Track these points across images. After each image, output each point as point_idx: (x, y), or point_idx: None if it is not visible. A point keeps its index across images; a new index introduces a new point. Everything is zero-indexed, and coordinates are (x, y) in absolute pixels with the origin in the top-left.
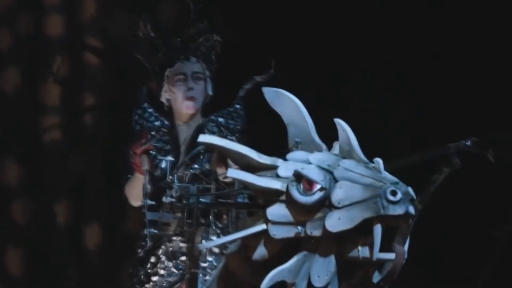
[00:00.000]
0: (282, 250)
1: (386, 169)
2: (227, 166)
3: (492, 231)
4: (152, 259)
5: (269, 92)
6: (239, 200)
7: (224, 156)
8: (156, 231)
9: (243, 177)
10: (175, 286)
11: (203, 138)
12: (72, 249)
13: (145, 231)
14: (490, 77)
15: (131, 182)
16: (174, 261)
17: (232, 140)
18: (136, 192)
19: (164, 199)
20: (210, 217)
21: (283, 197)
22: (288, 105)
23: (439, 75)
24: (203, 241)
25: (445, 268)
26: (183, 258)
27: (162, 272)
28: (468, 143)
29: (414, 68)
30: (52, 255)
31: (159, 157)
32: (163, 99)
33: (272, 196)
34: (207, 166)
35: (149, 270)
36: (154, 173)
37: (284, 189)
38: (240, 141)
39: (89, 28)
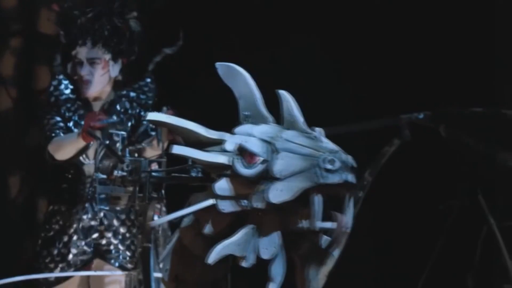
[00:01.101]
0: (234, 225)
1: (329, 137)
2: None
3: (439, 207)
4: (65, 238)
5: (221, 67)
6: (193, 174)
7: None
8: (107, 208)
9: (188, 153)
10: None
11: (151, 116)
12: (26, 222)
13: (96, 208)
14: (446, 52)
15: (67, 139)
16: (85, 240)
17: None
18: (67, 149)
19: (115, 172)
20: (162, 191)
21: (229, 171)
22: (238, 79)
23: (394, 47)
24: (155, 217)
25: (392, 239)
26: (95, 235)
27: (74, 251)
28: (421, 116)
29: (368, 40)
30: (6, 227)
31: (111, 131)
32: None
33: (220, 170)
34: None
35: (62, 250)
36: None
37: (230, 163)
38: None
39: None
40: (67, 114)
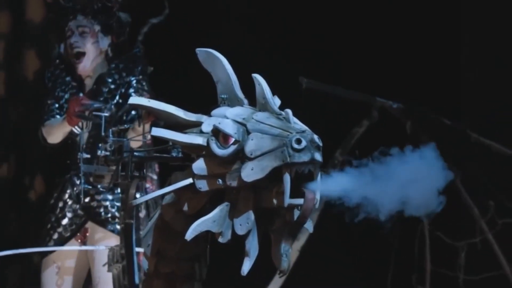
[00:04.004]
0: (215, 203)
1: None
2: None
3: None
4: (60, 204)
5: (201, 53)
6: (174, 154)
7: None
8: (90, 186)
9: (167, 134)
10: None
11: (133, 100)
12: (15, 201)
13: (80, 187)
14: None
15: (57, 124)
16: (80, 204)
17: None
18: (56, 133)
19: (98, 152)
20: (144, 170)
21: (206, 152)
22: (216, 63)
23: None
24: (137, 195)
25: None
26: (87, 199)
27: (69, 215)
28: (395, 106)
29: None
30: None
31: (95, 113)
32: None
33: (198, 151)
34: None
35: (59, 215)
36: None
37: (206, 144)
38: (142, 81)
39: None
40: (60, 94)
